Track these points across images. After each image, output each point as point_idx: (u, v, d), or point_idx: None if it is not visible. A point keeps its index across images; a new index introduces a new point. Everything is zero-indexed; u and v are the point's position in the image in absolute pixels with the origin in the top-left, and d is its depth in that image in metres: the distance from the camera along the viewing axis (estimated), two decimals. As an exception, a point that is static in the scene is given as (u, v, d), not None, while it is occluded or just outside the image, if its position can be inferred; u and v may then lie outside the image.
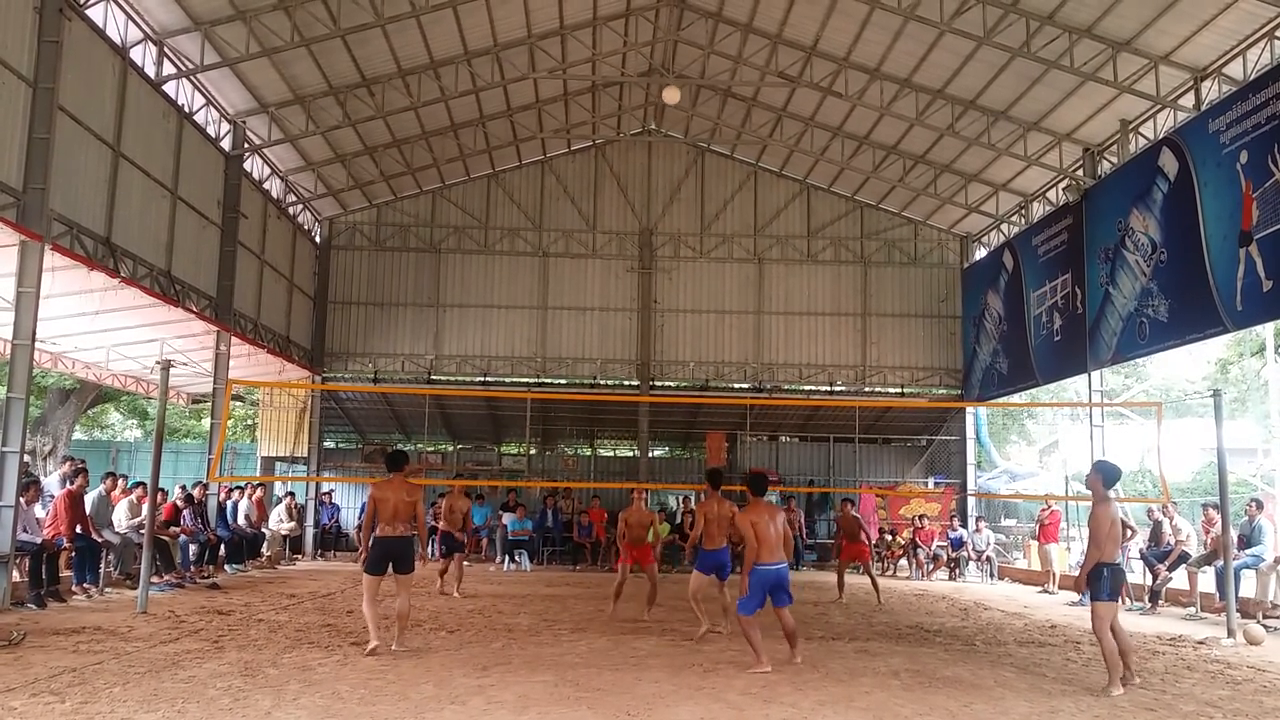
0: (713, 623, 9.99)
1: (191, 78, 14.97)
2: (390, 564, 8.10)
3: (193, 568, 13.63)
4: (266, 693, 6.37)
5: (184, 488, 15.12)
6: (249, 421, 28.60)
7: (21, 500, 10.45)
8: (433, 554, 17.15)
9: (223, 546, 15.33)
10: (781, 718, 6.10)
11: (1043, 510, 17.78)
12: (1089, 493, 7.67)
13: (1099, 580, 7.39)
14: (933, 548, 18.91)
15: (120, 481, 13.64)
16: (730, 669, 7.75)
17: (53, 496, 12.00)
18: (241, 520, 16.30)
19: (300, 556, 19.58)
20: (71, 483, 11.72)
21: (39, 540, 10.71)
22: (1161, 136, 14.82)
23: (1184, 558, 12.84)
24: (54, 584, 10.80)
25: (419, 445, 23.66)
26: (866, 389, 22.46)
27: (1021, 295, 19.15)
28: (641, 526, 11.79)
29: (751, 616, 7.72)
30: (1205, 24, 13.34)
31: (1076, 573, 13.40)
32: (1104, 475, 7.54)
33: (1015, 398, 20.96)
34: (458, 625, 9.91)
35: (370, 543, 8.10)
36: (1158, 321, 14.56)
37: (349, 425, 24.15)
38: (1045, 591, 15.82)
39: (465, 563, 18.93)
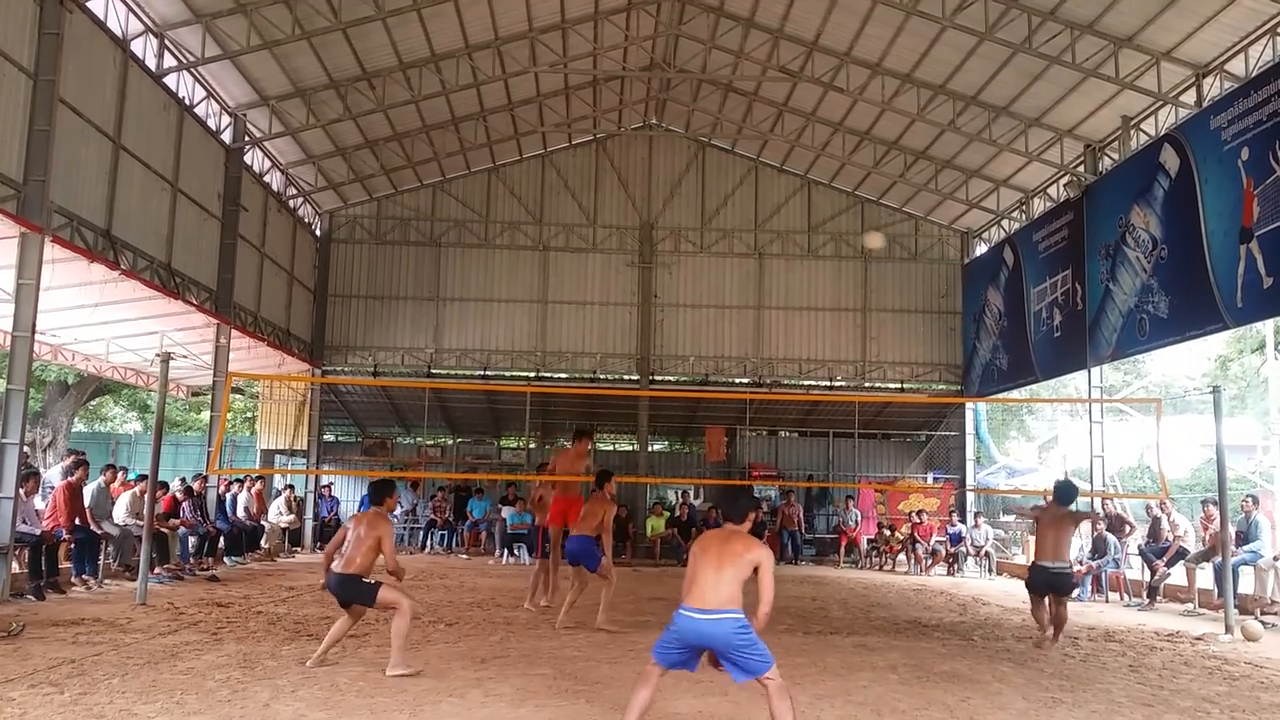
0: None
1: (192, 70, 14.94)
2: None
3: (192, 560, 13.66)
4: (265, 685, 6.38)
5: (183, 480, 15.16)
6: (248, 414, 28.60)
7: (21, 492, 10.46)
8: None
9: (222, 539, 15.34)
10: (779, 711, 6.10)
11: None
12: (1087, 488, 8.07)
13: None
14: (931, 543, 18.92)
15: (120, 474, 13.66)
16: (728, 663, 7.75)
17: (52, 488, 12.02)
18: (241, 513, 16.33)
19: (299, 549, 19.60)
20: (71, 475, 11.74)
21: (38, 532, 10.73)
22: (1163, 133, 14.80)
23: (1182, 554, 12.86)
24: (53, 575, 10.82)
25: (418, 439, 23.70)
26: (866, 384, 22.46)
27: (1022, 291, 19.14)
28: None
29: (651, 667, 5.19)
30: (1207, 20, 13.31)
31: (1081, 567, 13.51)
32: (1056, 494, 9.58)
33: (1015, 394, 20.94)
34: (456, 618, 9.92)
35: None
36: (1158, 318, 14.56)
37: (349, 419, 24.16)
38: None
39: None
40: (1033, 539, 9.60)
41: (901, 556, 19.55)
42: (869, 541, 20.46)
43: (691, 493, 21.92)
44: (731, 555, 5.04)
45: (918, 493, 21.42)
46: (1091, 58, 14.79)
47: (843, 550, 20.52)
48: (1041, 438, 33.84)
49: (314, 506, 20.78)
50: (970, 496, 21.78)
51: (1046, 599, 9.34)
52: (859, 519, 20.70)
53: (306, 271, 21.14)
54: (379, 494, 7.71)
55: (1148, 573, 13.29)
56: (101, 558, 11.98)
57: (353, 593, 7.14)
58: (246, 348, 18.03)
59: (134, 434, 27.79)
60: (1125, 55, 14.60)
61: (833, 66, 17.48)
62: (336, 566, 7.22)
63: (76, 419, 26.03)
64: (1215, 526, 11.74)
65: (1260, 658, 8.92)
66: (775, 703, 4.93)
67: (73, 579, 11.38)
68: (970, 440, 23.06)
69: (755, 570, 5.07)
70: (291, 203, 20.06)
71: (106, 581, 11.85)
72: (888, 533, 20.08)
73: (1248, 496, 12.58)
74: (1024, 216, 19.95)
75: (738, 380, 22.62)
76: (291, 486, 19.43)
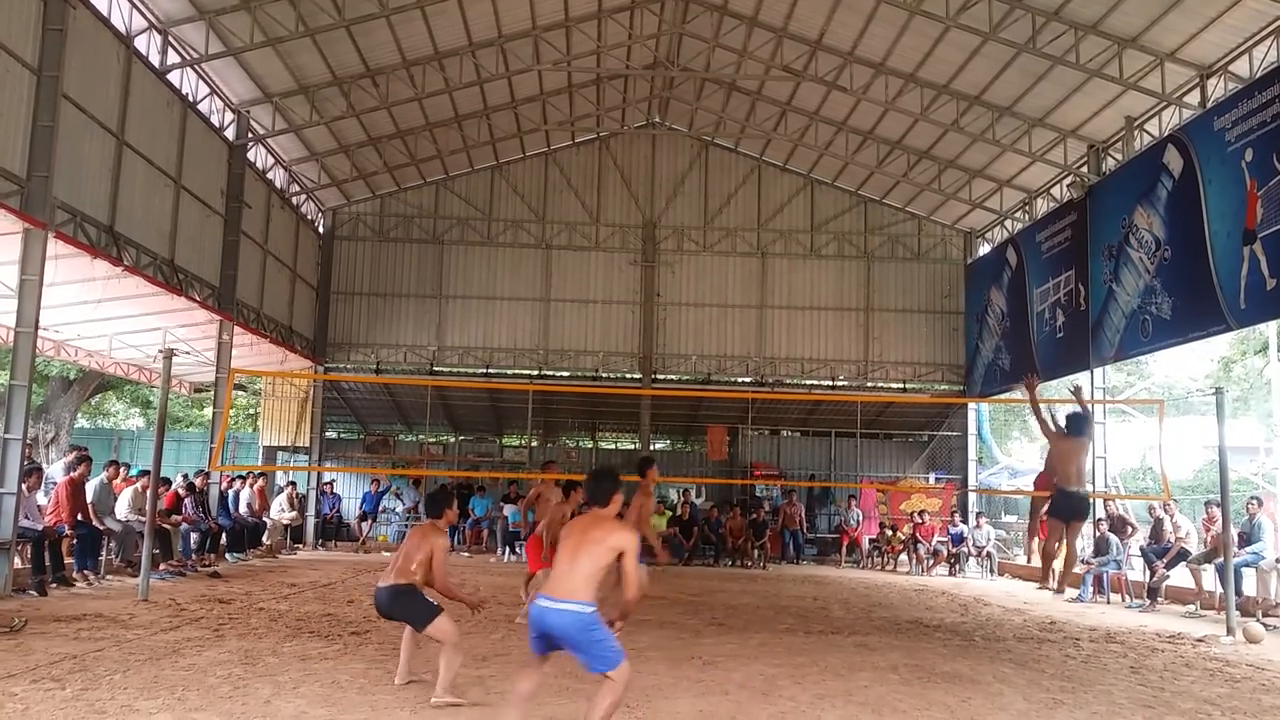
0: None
1: (196, 67, 14.95)
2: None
3: (194, 556, 13.67)
4: (266, 681, 6.39)
5: (186, 476, 15.17)
6: (251, 411, 28.64)
7: (24, 487, 10.48)
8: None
9: (224, 535, 15.36)
10: (780, 711, 6.11)
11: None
12: (1089, 490, 8.19)
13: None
14: (933, 543, 18.92)
15: (122, 470, 13.67)
16: (730, 662, 7.77)
17: (55, 484, 12.04)
18: (243, 509, 16.34)
19: (301, 546, 19.62)
20: (74, 470, 11.75)
21: (40, 527, 10.75)
22: (1167, 134, 14.77)
23: (1183, 555, 12.84)
24: (59, 570, 10.85)
25: (420, 436, 23.71)
26: (869, 384, 22.45)
27: (1025, 292, 19.12)
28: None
29: (531, 657, 4.95)
30: (1212, 21, 13.29)
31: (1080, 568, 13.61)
32: (1070, 426, 9.44)
33: (1017, 394, 20.91)
34: (457, 616, 9.91)
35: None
36: (1161, 319, 14.54)
37: (351, 416, 24.17)
38: (1045, 588, 15.81)
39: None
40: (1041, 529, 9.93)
41: (903, 556, 19.54)
42: (871, 541, 20.45)
43: (693, 491, 21.93)
44: (590, 542, 4.71)
45: (920, 493, 21.41)
46: (1095, 58, 14.77)
47: (844, 550, 20.51)
48: (1043, 438, 33.78)
49: (316, 503, 20.81)
50: (972, 497, 21.77)
51: (1064, 530, 9.48)
52: (861, 519, 20.69)
53: (309, 268, 21.16)
54: (436, 506, 6.75)
55: (1149, 574, 13.28)
56: (104, 553, 11.99)
57: (405, 607, 6.25)
58: (249, 344, 18.04)
59: (136, 430, 27.83)
60: (1129, 56, 14.58)
61: (836, 66, 17.47)
62: (383, 580, 6.37)
63: (79, 414, 26.07)
64: (1218, 528, 11.72)
65: (1262, 660, 8.91)
66: (603, 695, 4.63)
67: (74, 574, 11.39)
68: (972, 440, 23.04)
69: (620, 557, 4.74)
70: (295, 199, 20.07)
71: (108, 577, 11.87)
72: (889, 533, 20.08)
73: (1253, 498, 12.56)
74: (1027, 217, 19.93)
75: (740, 379, 22.61)
76: (294, 483, 19.45)
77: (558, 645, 4.73)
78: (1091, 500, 10.90)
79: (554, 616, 4.63)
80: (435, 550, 6.32)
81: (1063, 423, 9.57)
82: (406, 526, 20.99)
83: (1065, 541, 9.36)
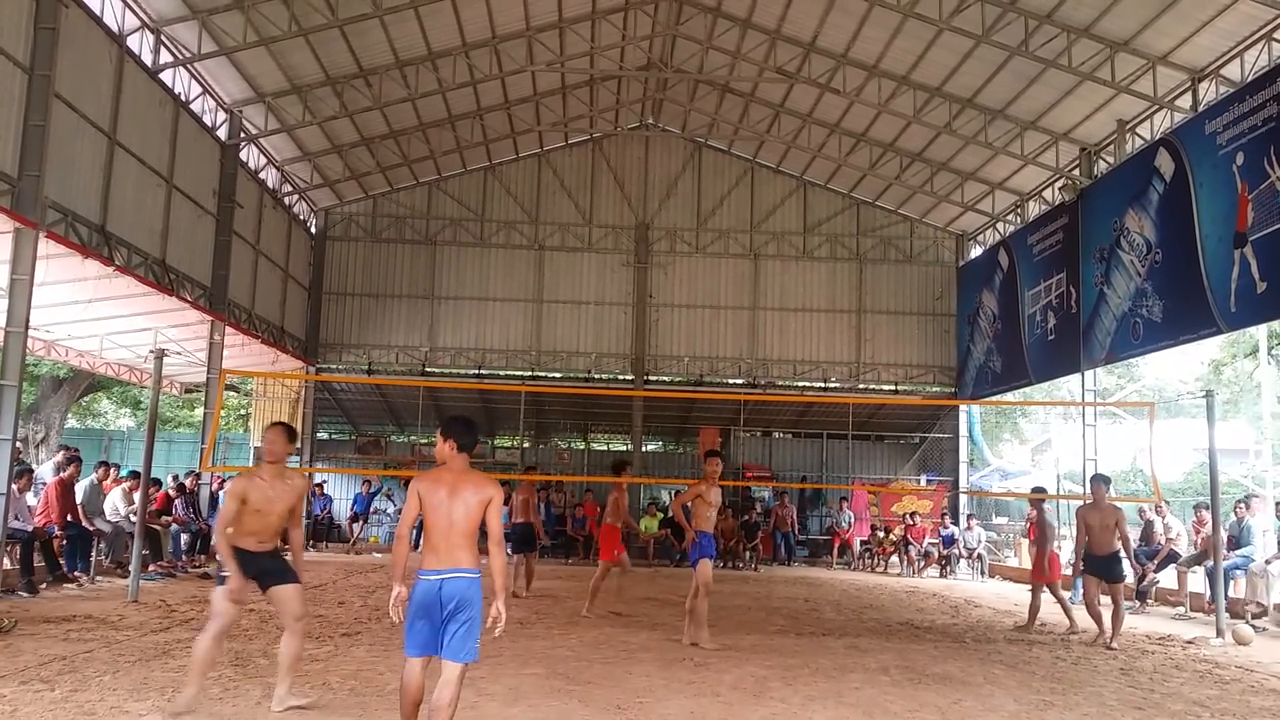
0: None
1: (188, 66, 14.91)
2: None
3: (184, 557, 13.63)
4: (256, 683, 6.38)
5: (176, 477, 15.13)
6: (242, 411, 28.56)
7: (14, 487, 10.43)
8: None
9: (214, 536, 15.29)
10: (771, 713, 6.11)
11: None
12: (1079, 491, 8.33)
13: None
14: (924, 545, 18.96)
15: (112, 471, 13.63)
16: (721, 663, 7.77)
17: (44, 484, 12.00)
18: (234, 510, 16.26)
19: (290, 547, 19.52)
20: (63, 471, 11.71)
21: (30, 528, 10.71)
22: (1158, 137, 14.83)
23: (1173, 557, 12.89)
24: (55, 569, 10.82)
25: (412, 437, 23.67)
26: (860, 386, 22.47)
27: (1016, 294, 19.17)
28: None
29: (411, 660, 4.73)
30: (1203, 25, 13.33)
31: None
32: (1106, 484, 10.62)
33: (1008, 396, 20.99)
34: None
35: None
36: (1151, 322, 14.59)
37: (342, 417, 24.13)
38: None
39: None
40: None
41: (894, 558, 19.57)
42: (862, 543, 20.48)
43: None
44: (462, 503, 4.75)
45: (911, 494, 21.45)
46: (1088, 61, 14.81)
47: (836, 552, 20.54)
48: (1034, 440, 33.89)
49: (307, 505, 20.75)
50: (963, 499, 21.81)
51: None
52: (852, 520, 20.71)
53: (301, 269, 21.11)
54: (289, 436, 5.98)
55: (1138, 576, 13.31)
56: (93, 554, 11.94)
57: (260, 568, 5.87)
58: (240, 345, 18.00)
59: (127, 430, 27.73)
60: (1121, 59, 14.63)
61: (830, 68, 17.49)
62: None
63: (69, 415, 25.97)
64: (1207, 530, 11.76)
65: (1251, 661, 8.95)
66: (442, 689, 4.60)
67: (64, 573, 11.33)
68: (964, 442, 23.08)
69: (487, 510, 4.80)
70: (287, 200, 20.03)
71: (98, 578, 11.81)
72: (881, 534, 20.11)
73: (1240, 501, 12.59)
74: (1019, 219, 19.97)
75: (732, 381, 22.62)
76: (285, 484, 19.35)
77: (436, 630, 4.64)
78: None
79: (449, 584, 4.64)
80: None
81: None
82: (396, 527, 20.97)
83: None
